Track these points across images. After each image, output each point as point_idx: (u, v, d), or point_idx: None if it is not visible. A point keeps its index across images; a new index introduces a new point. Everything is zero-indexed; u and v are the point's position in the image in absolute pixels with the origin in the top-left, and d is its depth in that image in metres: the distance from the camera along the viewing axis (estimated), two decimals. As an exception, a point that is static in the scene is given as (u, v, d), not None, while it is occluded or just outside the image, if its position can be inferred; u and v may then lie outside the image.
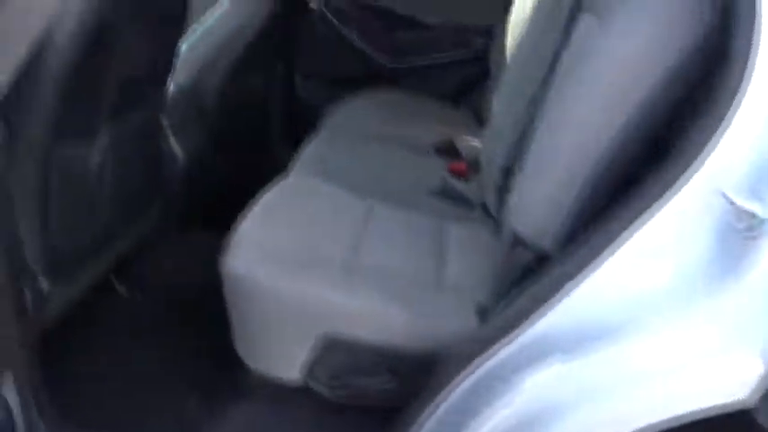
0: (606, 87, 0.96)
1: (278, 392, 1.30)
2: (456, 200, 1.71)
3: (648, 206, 0.86)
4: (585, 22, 1.23)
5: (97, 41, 1.16)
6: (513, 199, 1.11)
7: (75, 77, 1.15)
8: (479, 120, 2.48)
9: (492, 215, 1.59)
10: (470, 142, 2.14)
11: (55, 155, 1.21)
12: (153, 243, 1.88)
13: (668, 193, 0.85)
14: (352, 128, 2.18)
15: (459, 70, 2.71)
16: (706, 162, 0.84)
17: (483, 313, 1.18)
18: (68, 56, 1.12)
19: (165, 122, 1.73)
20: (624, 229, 0.87)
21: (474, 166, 1.97)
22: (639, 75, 0.94)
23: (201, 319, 1.87)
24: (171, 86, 1.78)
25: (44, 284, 1.31)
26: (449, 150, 2.07)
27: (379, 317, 1.16)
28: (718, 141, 0.84)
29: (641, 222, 0.86)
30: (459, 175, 1.91)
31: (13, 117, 1.10)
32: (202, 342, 1.79)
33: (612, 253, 0.89)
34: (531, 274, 1.09)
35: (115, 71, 1.31)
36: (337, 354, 1.19)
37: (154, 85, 1.56)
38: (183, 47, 1.92)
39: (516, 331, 0.99)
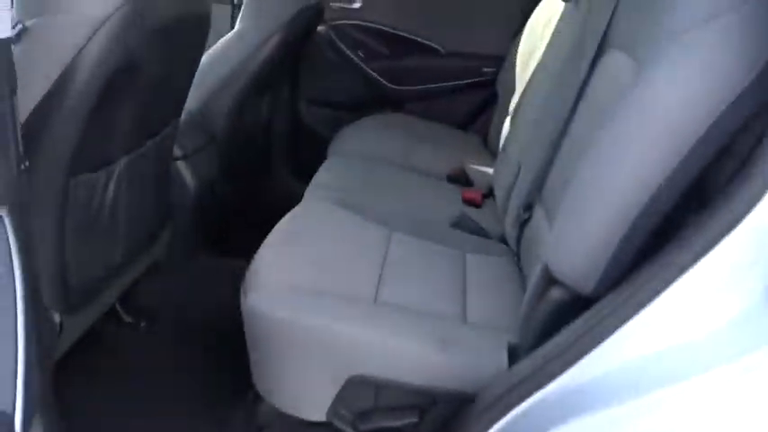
0: (651, 134, 0.94)
1: (297, 428, 1.26)
2: (474, 230, 1.69)
3: (696, 256, 0.84)
4: (616, 61, 1.23)
5: (121, 76, 1.14)
6: (551, 239, 1.09)
7: (97, 111, 1.13)
8: (486, 144, 2.49)
9: (511, 247, 1.58)
10: (481, 169, 2.14)
11: (72, 188, 1.18)
12: (161, 271, 1.85)
13: (716, 243, 0.83)
14: (363, 153, 2.17)
15: (466, 96, 2.71)
16: (753, 211, 0.83)
17: (513, 353, 1.15)
18: (91, 91, 1.09)
19: (176, 150, 1.70)
20: (672, 278, 0.85)
21: (486, 194, 1.96)
22: (685, 123, 0.92)
23: (211, 349, 1.85)
24: (182, 113, 1.76)
25: (56, 317, 1.27)
26: (460, 178, 2.06)
27: (409, 356, 1.13)
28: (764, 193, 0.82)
29: (689, 272, 0.85)
30: (472, 203, 1.89)
31: (33, 150, 1.08)
32: (213, 371, 1.76)
33: (658, 302, 0.87)
34: (565, 314, 1.06)
35: (136, 101, 1.28)
36: (364, 393, 1.16)
37: (170, 114, 1.53)
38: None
39: (549, 376, 0.96)
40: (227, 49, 1.97)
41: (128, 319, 1.92)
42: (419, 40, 2.70)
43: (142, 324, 1.94)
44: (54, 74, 1.05)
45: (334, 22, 2.66)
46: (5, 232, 0.85)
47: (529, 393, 0.98)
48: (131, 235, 1.46)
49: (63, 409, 1.35)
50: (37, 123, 1.07)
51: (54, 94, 1.06)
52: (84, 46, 1.04)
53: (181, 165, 1.79)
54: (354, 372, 1.14)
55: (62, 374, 1.35)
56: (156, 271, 1.84)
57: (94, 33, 1.04)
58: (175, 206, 1.77)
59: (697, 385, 0.86)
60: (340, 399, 1.17)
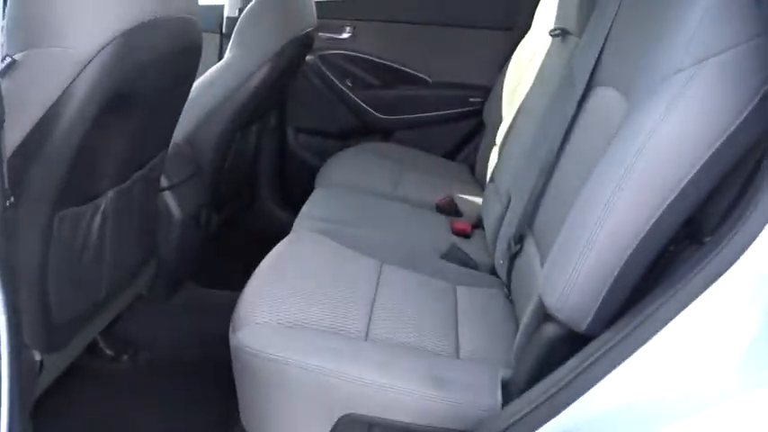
0: (644, 171, 0.95)
1: None
2: (464, 262, 1.68)
3: (695, 293, 0.84)
4: (606, 98, 1.23)
5: (109, 111, 1.12)
6: (544, 274, 1.08)
7: (85, 146, 1.11)
8: (474, 174, 2.50)
9: (501, 279, 1.57)
10: (470, 199, 2.14)
11: (57, 222, 1.16)
12: (145, 303, 1.82)
13: (714, 280, 0.83)
14: (351, 182, 2.16)
15: (454, 126, 2.72)
16: (750, 248, 0.83)
17: (507, 388, 1.14)
18: (79, 126, 1.07)
19: (162, 181, 1.68)
20: (670, 316, 0.85)
21: (475, 224, 1.96)
22: (678, 161, 0.93)
23: (196, 384, 1.81)
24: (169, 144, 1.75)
25: (37, 356, 1.24)
26: (450, 208, 2.05)
27: (402, 395, 1.10)
28: (761, 229, 0.82)
29: (687, 309, 0.84)
30: (462, 234, 1.88)
31: (18, 185, 1.05)
32: (198, 408, 1.72)
33: (656, 340, 0.86)
34: (559, 350, 1.05)
35: (125, 135, 1.27)
36: (356, 432, 1.13)
37: (159, 145, 1.52)
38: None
39: (544, 417, 0.95)
40: (216, 78, 1.95)
41: (109, 352, 1.89)
42: (407, 69, 2.72)
43: (124, 357, 1.90)
44: (42, 109, 1.03)
45: (322, 52, 2.67)
46: None
47: None
48: (116, 268, 1.43)
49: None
50: (23, 158, 1.05)
51: (41, 128, 1.03)
52: (73, 81, 1.02)
53: (167, 195, 1.77)
54: (345, 411, 1.11)
55: (41, 409, 1.32)
56: (140, 303, 1.80)
57: (84, 68, 1.03)
58: (160, 237, 1.74)
59: (696, 425, 0.85)
60: None
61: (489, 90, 2.59)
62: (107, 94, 1.08)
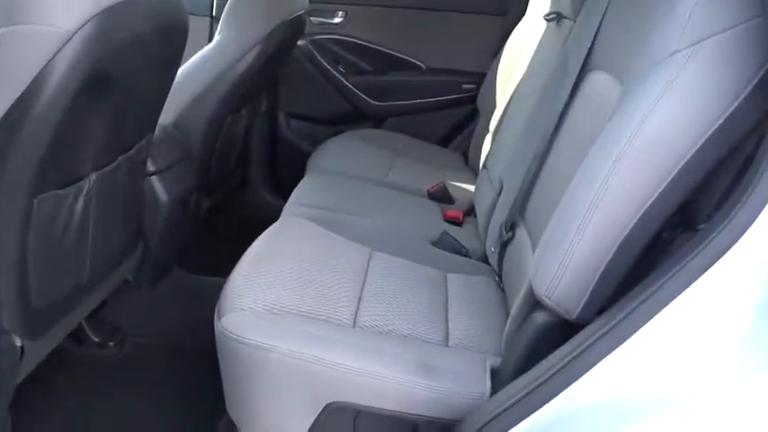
0: (637, 155, 0.92)
1: None
2: (455, 250, 1.66)
3: (689, 279, 0.82)
4: (600, 82, 1.21)
5: (90, 90, 1.09)
6: (535, 261, 1.06)
7: (65, 126, 1.08)
8: (467, 161, 2.47)
9: (492, 267, 1.55)
10: (463, 187, 2.12)
11: (36, 205, 1.13)
12: (132, 289, 1.79)
13: (708, 267, 0.81)
14: (343, 169, 2.14)
15: (447, 113, 2.69)
16: (745, 235, 0.81)
17: (496, 377, 1.12)
18: (58, 105, 1.04)
19: (149, 165, 1.65)
20: (664, 303, 0.83)
21: (467, 212, 1.94)
22: (672, 145, 0.91)
23: (183, 371, 1.79)
24: (157, 127, 1.72)
25: (18, 342, 1.21)
26: (442, 195, 2.03)
27: (389, 382, 1.08)
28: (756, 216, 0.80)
29: (681, 295, 0.82)
30: (454, 221, 1.86)
31: None
32: (185, 396, 1.70)
33: (649, 327, 0.84)
34: (549, 338, 1.03)
35: (107, 116, 1.23)
36: (342, 420, 1.11)
37: (143, 128, 1.49)
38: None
39: (534, 405, 0.93)
40: (205, 61, 1.92)
41: (96, 338, 1.86)
42: (400, 55, 2.69)
43: (110, 344, 1.88)
44: (20, 86, 1.00)
45: (314, 37, 2.64)
46: None
47: (513, 423, 0.94)
48: (100, 254, 1.40)
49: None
50: (1, 137, 1.02)
51: (20, 106, 1.00)
52: (53, 58, 0.99)
53: (154, 180, 1.74)
54: (331, 399, 1.09)
55: (24, 395, 1.29)
56: (127, 289, 1.78)
57: (63, 45, 0.99)
58: (147, 222, 1.71)
59: (690, 414, 0.83)
60: (317, 426, 1.12)
61: (483, 76, 2.56)
62: (87, 72, 1.05)
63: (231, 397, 1.21)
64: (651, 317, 0.85)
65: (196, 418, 1.62)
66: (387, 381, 1.08)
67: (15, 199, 1.08)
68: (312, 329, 1.15)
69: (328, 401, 1.09)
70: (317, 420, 1.11)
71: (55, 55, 1.00)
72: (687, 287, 0.82)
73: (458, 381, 1.11)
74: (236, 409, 1.20)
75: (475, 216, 1.87)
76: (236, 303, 1.19)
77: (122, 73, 1.18)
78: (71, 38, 1.01)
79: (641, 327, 0.85)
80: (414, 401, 1.08)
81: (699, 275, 0.81)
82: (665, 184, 0.92)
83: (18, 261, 1.12)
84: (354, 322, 1.21)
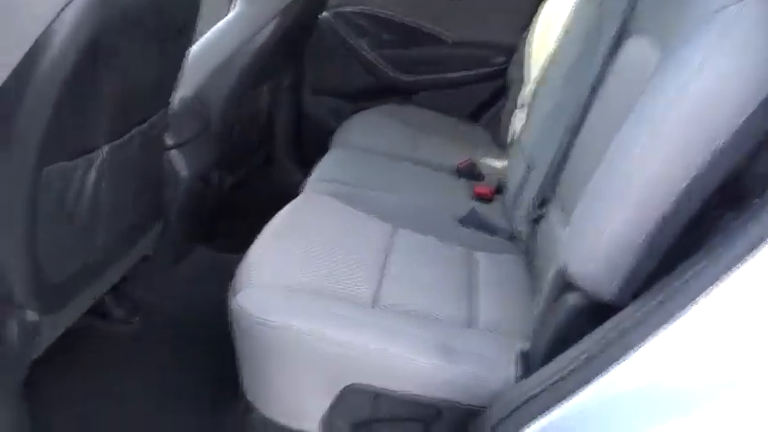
0: (679, 126, 0.85)
1: None
2: (483, 227, 1.59)
3: (736, 261, 0.74)
4: (638, 48, 1.13)
5: (94, 55, 1.05)
6: (567, 239, 0.99)
7: (71, 93, 1.04)
8: (496, 137, 2.39)
9: (521, 246, 1.49)
10: (492, 164, 2.05)
11: (44, 177, 1.10)
12: (153, 265, 1.77)
13: (756, 249, 0.74)
14: (368, 144, 2.07)
15: (475, 87, 2.60)
16: None
17: (523, 361, 1.06)
18: (61, 70, 1.00)
19: (169, 139, 1.61)
20: (709, 284, 0.75)
21: (497, 189, 1.87)
22: (717, 114, 0.83)
23: (204, 350, 1.76)
24: (176, 100, 1.68)
25: (32, 316, 1.19)
26: (470, 172, 1.96)
27: (410, 365, 1.03)
28: None
29: (727, 279, 0.75)
30: (483, 198, 1.80)
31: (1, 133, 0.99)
32: (205, 374, 1.68)
33: (692, 310, 0.77)
34: (582, 321, 0.97)
35: (115, 86, 1.20)
36: (361, 403, 1.06)
37: (158, 101, 1.45)
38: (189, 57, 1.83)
39: (566, 392, 0.87)
40: (224, 33, 1.87)
41: (118, 314, 1.84)
42: (426, 28, 2.60)
43: (134, 320, 1.86)
44: (20, 51, 0.96)
45: (337, 9, 2.56)
46: None
47: (543, 410, 0.88)
48: (115, 228, 1.37)
49: (43, 406, 1.27)
50: (6, 102, 0.98)
51: (21, 73, 0.97)
52: (54, 20, 0.96)
53: (174, 153, 1.71)
54: (350, 380, 1.04)
55: (44, 369, 1.27)
56: (150, 265, 1.75)
57: (65, 6, 0.95)
58: (167, 197, 1.68)
59: (732, 407, 0.76)
60: (335, 408, 1.08)
61: (513, 50, 2.46)
62: (89, 37, 1.01)
63: (246, 376, 1.17)
64: (693, 302, 0.78)
65: (217, 396, 1.60)
66: (407, 362, 1.03)
67: (24, 168, 1.05)
68: (330, 308, 1.10)
69: (346, 384, 1.04)
70: (335, 402, 1.06)
71: (56, 17, 0.96)
72: (736, 268, 0.74)
73: (483, 364, 1.06)
74: (251, 388, 1.16)
75: (504, 193, 1.80)
76: (252, 279, 1.14)
77: (129, 38, 1.14)
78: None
79: (681, 313, 0.78)
80: (435, 385, 1.03)
81: (749, 255, 0.74)
82: (709, 156, 0.85)
83: (28, 234, 1.10)
84: (375, 301, 1.16)
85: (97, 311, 1.79)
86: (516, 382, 1.01)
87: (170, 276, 1.92)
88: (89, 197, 1.22)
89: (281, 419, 1.13)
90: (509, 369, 1.04)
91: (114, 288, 1.63)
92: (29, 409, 1.25)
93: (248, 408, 1.19)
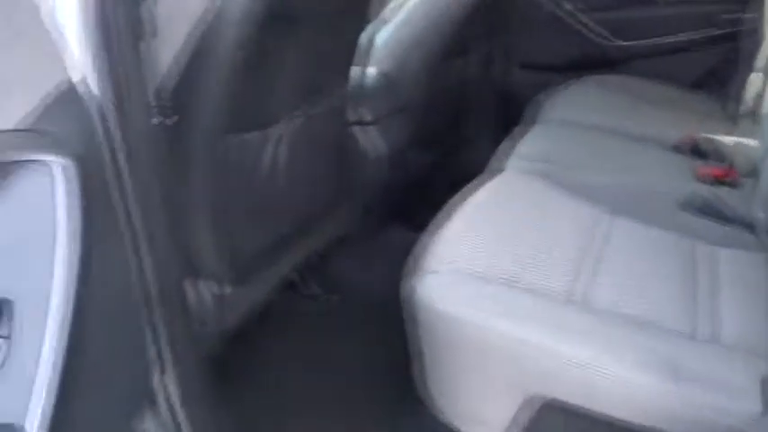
0: None
1: None
2: (713, 214, 1.37)
3: None
4: None
5: (273, 28, 1.05)
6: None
7: (249, 66, 1.05)
8: (726, 111, 2.11)
9: (764, 237, 1.25)
10: (719, 139, 1.79)
11: (222, 149, 1.12)
12: (348, 244, 1.76)
13: None
14: (575, 119, 1.92)
15: (701, 51, 2.33)
16: None
17: (769, 390, 0.86)
18: (239, 39, 1.01)
19: (366, 115, 1.61)
20: None
21: (728, 171, 1.62)
22: None
23: (394, 332, 1.73)
24: (373, 74, 1.64)
25: (225, 288, 1.23)
26: (693, 149, 1.74)
27: (620, 383, 0.87)
28: None
29: None
30: (709, 180, 1.56)
31: (181, 104, 1.00)
32: (392, 364, 1.64)
33: None
34: None
35: (293, 58, 1.19)
36: (550, 420, 0.92)
37: (338, 76, 1.45)
38: (384, 31, 1.79)
39: None
40: (418, 5, 1.81)
41: (310, 291, 1.87)
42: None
43: (329, 297, 1.88)
44: (200, 25, 0.98)
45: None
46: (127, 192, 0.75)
47: None
48: (299, 204, 1.39)
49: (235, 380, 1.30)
50: (185, 75, 0.99)
51: (199, 45, 0.98)
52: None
53: (371, 129, 1.69)
54: (537, 391, 0.91)
55: (233, 346, 1.30)
56: (346, 243, 1.75)
57: None
58: (363, 174, 1.66)
59: None
60: (518, 421, 0.96)
61: (746, 2, 2.14)
62: (267, 8, 1.01)
63: (418, 371, 1.08)
64: None
65: (400, 384, 1.56)
66: (615, 380, 0.87)
67: (206, 139, 1.07)
68: (521, 303, 0.98)
69: (532, 394, 0.92)
70: (518, 412, 0.94)
71: None
72: None
73: (717, 391, 0.87)
74: (421, 384, 1.07)
75: (736, 175, 1.56)
76: (428, 264, 1.06)
77: (305, 12, 1.14)
78: None
79: None
80: (649, 410, 0.87)
81: None
82: None
83: (211, 204, 1.12)
84: (582, 300, 1.02)
85: (294, 288, 1.84)
86: (763, 416, 0.82)
87: (367, 256, 1.92)
88: (267, 170, 1.24)
89: (452, 421, 1.05)
90: (755, 401, 0.85)
91: (311, 265, 1.63)
92: (220, 383, 1.29)
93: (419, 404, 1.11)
